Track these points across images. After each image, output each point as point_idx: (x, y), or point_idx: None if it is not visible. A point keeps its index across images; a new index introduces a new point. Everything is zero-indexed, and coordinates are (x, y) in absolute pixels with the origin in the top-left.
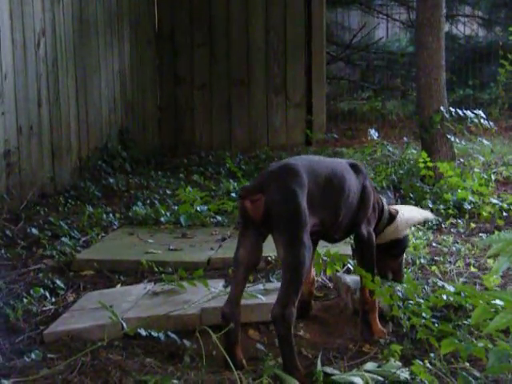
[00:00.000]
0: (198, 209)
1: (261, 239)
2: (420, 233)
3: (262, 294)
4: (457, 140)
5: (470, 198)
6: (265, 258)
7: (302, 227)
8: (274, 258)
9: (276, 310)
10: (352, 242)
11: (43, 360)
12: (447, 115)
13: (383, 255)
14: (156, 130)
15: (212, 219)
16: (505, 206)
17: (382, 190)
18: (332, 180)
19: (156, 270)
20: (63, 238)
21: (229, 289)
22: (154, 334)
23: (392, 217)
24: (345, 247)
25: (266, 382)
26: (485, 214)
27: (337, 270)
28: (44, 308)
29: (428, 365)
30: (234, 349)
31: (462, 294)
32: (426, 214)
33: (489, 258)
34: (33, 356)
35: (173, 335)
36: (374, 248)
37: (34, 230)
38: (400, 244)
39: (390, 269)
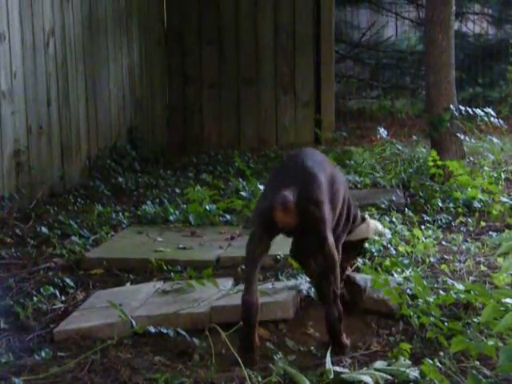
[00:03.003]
0: (207, 208)
1: (275, 237)
2: (430, 231)
3: (272, 293)
4: (466, 138)
5: (480, 196)
6: (274, 256)
7: (330, 231)
8: (282, 256)
9: (332, 314)
10: None
11: (53, 358)
12: (457, 113)
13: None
14: (165, 128)
15: (221, 218)
16: None
17: (392, 189)
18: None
19: (165, 268)
20: (73, 237)
21: (239, 286)
22: (164, 332)
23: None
24: None
25: (275, 380)
26: (495, 212)
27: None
28: (54, 306)
29: (438, 364)
30: (252, 341)
31: (472, 292)
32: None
33: (499, 256)
34: (43, 354)
35: (182, 333)
36: None
37: (44, 229)
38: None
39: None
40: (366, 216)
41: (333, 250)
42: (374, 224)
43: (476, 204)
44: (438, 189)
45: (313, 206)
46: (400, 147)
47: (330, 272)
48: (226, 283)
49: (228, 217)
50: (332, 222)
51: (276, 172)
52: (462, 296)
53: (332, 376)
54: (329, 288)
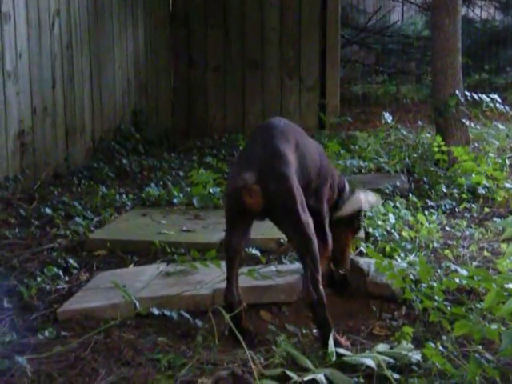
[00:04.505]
0: (211, 191)
1: (252, 224)
2: (433, 217)
3: (275, 276)
4: (472, 124)
5: (484, 182)
6: (277, 239)
7: (303, 208)
8: (286, 240)
9: (309, 296)
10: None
11: (57, 338)
12: (462, 99)
13: (344, 229)
14: (169, 111)
15: None
16: None
17: (396, 174)
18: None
19: (169, 250)
20: (76, 218)
21: (243, 268)
22: (167, 313)
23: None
24: None
25: (277, 361)
26: (499, 198)
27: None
28: (57, 287)
29: (440, 347)
30: (241, 323)
31: (475, 277)
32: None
33: (502, 242)
34: (46, 334)
35: (185, 315)
36: None
37: (48, 210)
38: (360, 215)
39: (346, 245)
40: (355, 189)
41: (307, 227)
42: (364, 195)
43: (480, 190)
44: (442, 174)
45: (276, 183)
46: (405, 132)
47: (306, 253)
48: None
49: None
50: (309, 189)
51: (240, 152)
52: (465, 281)
53: (334, 358)
54: (306, 270)
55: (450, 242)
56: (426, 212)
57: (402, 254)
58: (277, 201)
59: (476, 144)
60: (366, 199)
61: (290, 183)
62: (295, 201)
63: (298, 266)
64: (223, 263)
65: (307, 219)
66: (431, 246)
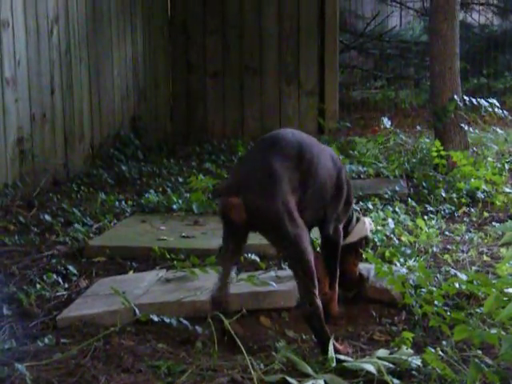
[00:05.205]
0: (210, 196)
1: (247, 233)
2: (433, 221)
3: (274, 282)
4: (470, 129)
5: (484, 187)
6: None
7: (291, 220)
8: None
9: (305, 310)
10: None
11: (56, 345)
12: (461, 104)
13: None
14: (168, 117)
15: None
16: None
17: (395, 179)
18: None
19: (168, 256)
20: (76, 225)
21: (242, 275)
22: (167, 320)
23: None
24: None
25: (277, 367)
26: (498, 203)
27: None
28: (57, 294)
29: (440, 352)
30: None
31: (475, 282)
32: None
33: (501, 246)
34: (46, 341)
35: (185, 321)
36: None
37: (47, 217)
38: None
39: (353, 271)
40: (359, 216)
41: (297, 241)
42: (368, 222)
43: (479, 194)
44: (441, 179)
45: (259, 198)
46: (404, 137)
47: (298, 267)
48: None
49: None
50: (315, 206)
51: (237, 162)
52: (465, 286)
53: (334, 364)
54: (299, 285)
55: (449, 246)
56: (426, 217)
57: (402, 259)
58: (260, 216)
59: (475, 148)
60: (370, 225)
61: (274, 199)
62: (279, 216)
63: None
64: None
65: (296, 232)
66: (430, 250)
